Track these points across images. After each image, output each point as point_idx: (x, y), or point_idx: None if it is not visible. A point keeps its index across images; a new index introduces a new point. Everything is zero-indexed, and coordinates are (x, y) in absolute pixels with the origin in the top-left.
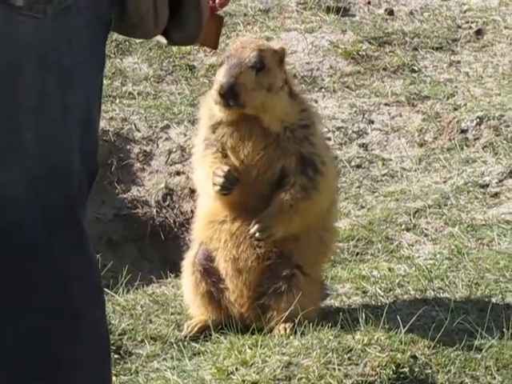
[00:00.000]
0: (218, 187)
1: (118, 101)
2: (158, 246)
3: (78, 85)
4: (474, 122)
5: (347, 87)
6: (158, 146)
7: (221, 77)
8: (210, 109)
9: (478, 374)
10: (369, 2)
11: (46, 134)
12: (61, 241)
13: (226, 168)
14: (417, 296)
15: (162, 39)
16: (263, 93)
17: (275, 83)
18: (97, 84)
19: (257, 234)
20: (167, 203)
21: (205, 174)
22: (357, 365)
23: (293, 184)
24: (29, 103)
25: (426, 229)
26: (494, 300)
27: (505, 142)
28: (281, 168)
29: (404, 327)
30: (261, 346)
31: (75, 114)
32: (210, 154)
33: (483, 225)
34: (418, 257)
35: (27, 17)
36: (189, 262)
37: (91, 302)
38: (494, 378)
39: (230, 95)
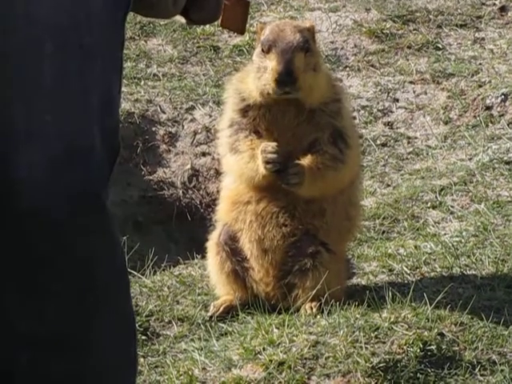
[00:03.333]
0: (272, 165)
1: (142, 83)
2: (184, 227)
3: (97, 66)
4: (499, 98)
5: (372, 66)
6: (183, 127)
7: (275, 64)
8: (239, 92)
9: (505, 350)
10: None
11: (65, 116)
12: (83, 223)
13: (275, 144)
14: (443, 273)
15: (182, 19)
16: (311, 74)
17: (318, 62)
18: (116, 65)
19: (289, 177)
20: (193, 184)
21: (242, 158)
22: (384, 343)
23: (323, 152)
24: (48, 84)
25: (451, 206)
26: None
27: None
28: (310, 141)
29: (431, 305)
30: (288, 325)
31: (95, 96)
32: (242, 137)
33: (509, 201)
34: (444, 234)
35: None
36: (213, 243)
37: (115, 285)
38: None
39: (288, 81)
